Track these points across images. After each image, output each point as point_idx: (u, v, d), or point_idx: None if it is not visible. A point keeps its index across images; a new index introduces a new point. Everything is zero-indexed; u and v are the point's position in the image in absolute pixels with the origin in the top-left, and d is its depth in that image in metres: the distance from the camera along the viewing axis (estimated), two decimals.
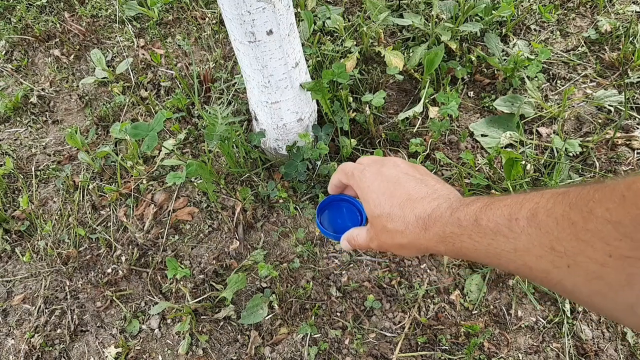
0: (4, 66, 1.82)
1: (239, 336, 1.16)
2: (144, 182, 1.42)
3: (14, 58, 1.85)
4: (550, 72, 1.50)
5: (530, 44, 1.55)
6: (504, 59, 1.49)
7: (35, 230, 1.39)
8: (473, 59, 1.49)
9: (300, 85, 1.17)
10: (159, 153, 1.47)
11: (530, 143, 1.33)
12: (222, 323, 1.18)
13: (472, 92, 1.49)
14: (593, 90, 1.43)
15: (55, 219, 1.39)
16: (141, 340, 1.18)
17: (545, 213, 0.35)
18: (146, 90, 1.65)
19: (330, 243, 1.25)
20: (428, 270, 1.19)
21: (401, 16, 1.59)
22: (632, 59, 1.45)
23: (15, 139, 1.62)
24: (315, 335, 1.13)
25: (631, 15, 1.56)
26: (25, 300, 1.28)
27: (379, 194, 0.52)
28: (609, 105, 1.37)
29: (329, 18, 1.57)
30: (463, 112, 1.45)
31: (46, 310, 1.25)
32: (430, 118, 1.39)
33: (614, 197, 0.30)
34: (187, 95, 1.57)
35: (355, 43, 1.53)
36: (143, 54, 1.74)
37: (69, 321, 1.22)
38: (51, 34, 1.87)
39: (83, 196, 1.43)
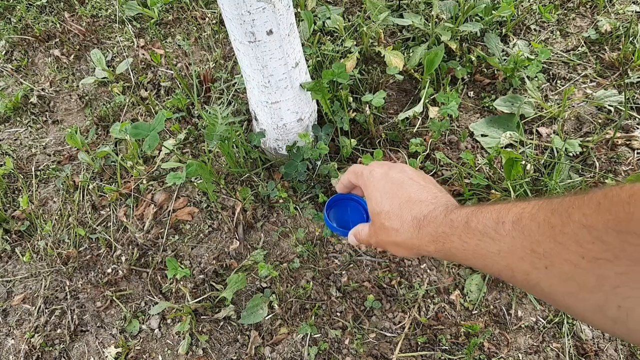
0: (4, 66, 1.82)
1: (239, 336, 1.16)
2: (144, 182, 1.42)
3: (14, 58, 1.85)
4: (550, 72, 1.50)
5: (530, 44, 1.55)
6: (504, 59, 1.49)
7: (35, 230, 1.39)
8: (473, 59, 1.49)
9: (300, 85, 1.17)
10: (159, 153, 1.47)
11: (530, 143, 1.33)
12: (222, 323, 1.18)
13: (472, 92, 1.49)
14: (593, 90, 1.43)
15: (55, 219, 1.39)
16: (141, 340, 1.18)
17: (529, 217, 0.37)
18: (146, 90, 1.65)
19: (330, 243, 1.25)
20: (428, 270, 1.19)
21: (401, 16, 1.59)
22: (632, 59, 1.45)
23: (15, 139, 1.62)
24: (315, 335, 1.13)
25: (631, 15, 1.56)
26: (25, 300, 1.28)
27: (382, 193, 0.55)
28: (609, 105, 1.37)
29: (329, 18, 1.57)
30: (463, 112, 1.45)
31: (46, 310, 1.25)
32: (430, 118, 1.39)
33: (591, 204, 0.32)
34: (187, 95, 1.57)
35: (355, 43, 1.53)
36: (143, 54, 1.74)
37: (69, 321, 1.22)
38: (51, 34, 1.87)
39: (83, 196, 1.43)
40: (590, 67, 1.49)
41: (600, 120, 1.36)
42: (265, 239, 1.28)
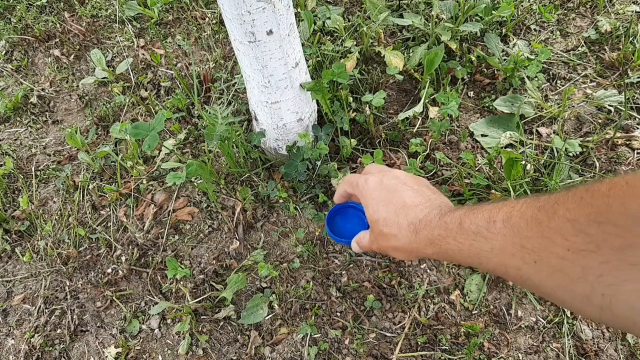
0: (4, 66, 1.82)
1: (239, 336, 1.16)
2: (144, 182, 1.42)
3: (14, 58, 1.85)
4: (550, 72, 1.50)
5: (530, 44, 1.55)
6: (504, 59, 1.49)
7: (35, 230, 1.39)
8: (473, 59, 1.49)
9: (300, 85, 1.17)
10: (159, 153, 1.47)
11: (530, 143, 1.33)
12: (222, 323, 1.18)
13: (472, 92, 1.49)
14: (593, 90, 1.43)
15: (55, 219, 1.39)
16: (141, 340, 1.18)
17: (518, 215, 0.39)
18: (146, 90, 1.65)
19: (330, 243, 1.25)
20: (428, 270, 1.19)
21: (401, 16, 1.59)
22: (632, 59, 1.45)
23: (15, 139, 1.62)
24: (315, 335, 1.13)
25: (631, 15, 1.56)
26: (25, 300, 1.28)
27: (377, 201, 0.56)
28: (609, 105, 1.37)
29: (329, 18, 1.57)
30: (463, 112, 1.45)
31: (46, 310, 1.25)
32: (430, 118, 1.39)
33: (574, 198, 0.34)
34: (187, 95, 1.57)
35: (355, 43, 1.53)
36: (143, 54, 1.74)
37: (69, 321, 1.22)
38: (51, 34, 1.87)
39: (83, 196, 1.43)
40: (590, 67, 1.49)
41: (600, 120, 1.36)
42: (265, 239, 1.28)
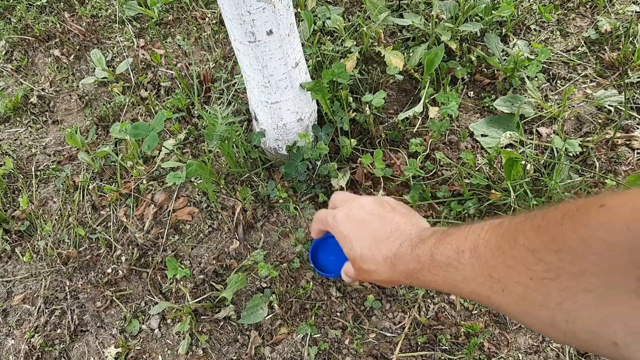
0: (4, 66, 1.82)
1: (239, 336, 1.16)
2: (144, 182, 1.42)
3: (14, 58, 1.85)
4: (550, 72, 1.50)
5: (530, 44, 1.55)
6: (504, 59, 1.49)
7: (35, 230, 1.39)
8: (473, 59, 1.49)
9: (300, 85, 1.17)
10: (159, 153, 1.47)
11: (530, 143, 1.33)
12: (222, 323, 1.18)
13: (472, 92, 1.49)
14: (593, 90, 1.43)
15: (55, 219, 1.39)
16: (141, 340, 1.18)
17: (484, 244, 0.40)
18: (146, 90, 1.65)
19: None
20: None
21: (401, 16, 1.59)
22: (632, 59, 1.45)
23: (15, 139, 1.62)
24: (315, 335, 1.13)
25: (631, 15, 1.56)
26: (25, 300, 1.28)
27: (349, 238, 0.56)
28: (609, 105, 1.37)
29: (329, 18, 1.57)
30: (463, 112, 1.45)
31: (46, 310, 1.25)
32: (430, 118, 1.39)
33: (532, 227, 0.35)
34: (187, 95, 1.57)
35: (355, 43, 1.53)
36: (143, 54, 1.74)
37: (69, 321, 1.22)
38: (51, 34, 1.87)
39: (83, 196, 1.43)
40: (590, 67, 1.49)
41: (600, 120, 1.36)
42: (265, 239, 1.28)
